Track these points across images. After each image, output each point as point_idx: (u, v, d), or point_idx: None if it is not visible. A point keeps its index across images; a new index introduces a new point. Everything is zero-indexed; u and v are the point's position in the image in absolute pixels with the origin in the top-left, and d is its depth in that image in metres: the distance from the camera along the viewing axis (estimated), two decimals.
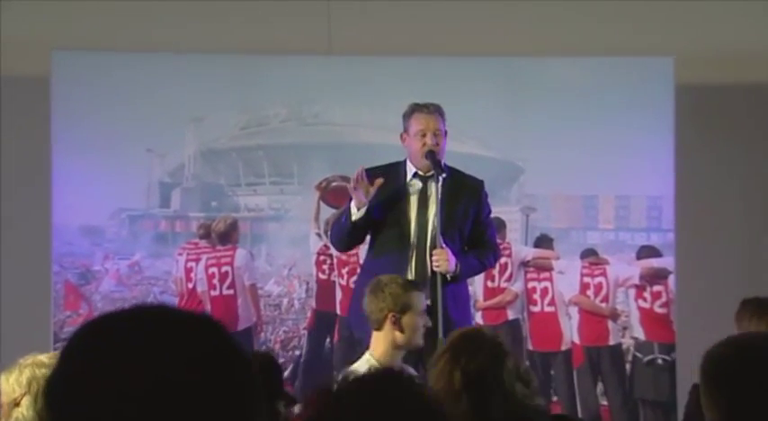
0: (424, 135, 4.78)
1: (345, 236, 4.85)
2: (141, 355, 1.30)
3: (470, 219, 4.84)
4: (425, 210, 4.80)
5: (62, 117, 6.67)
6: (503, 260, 6.71)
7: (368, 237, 4.95)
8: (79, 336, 1.37)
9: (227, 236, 6.81)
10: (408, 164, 4.88)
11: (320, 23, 6.88)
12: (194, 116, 6.86)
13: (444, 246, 4.68)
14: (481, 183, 4.94)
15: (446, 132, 4.87)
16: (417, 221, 4.77)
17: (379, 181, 4.67)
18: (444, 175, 4.70)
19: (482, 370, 2.75)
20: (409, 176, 4.85)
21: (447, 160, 4.93)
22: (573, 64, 6.93)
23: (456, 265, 4.69)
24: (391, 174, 4.85)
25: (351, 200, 4.76)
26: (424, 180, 4.84)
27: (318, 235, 6.82)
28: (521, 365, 2.80)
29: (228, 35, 6.94)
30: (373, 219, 4.78)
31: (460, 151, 6.55)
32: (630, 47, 6.96)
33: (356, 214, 4.70)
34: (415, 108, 4.85)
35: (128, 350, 1.31)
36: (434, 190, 4.72)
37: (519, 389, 2.73)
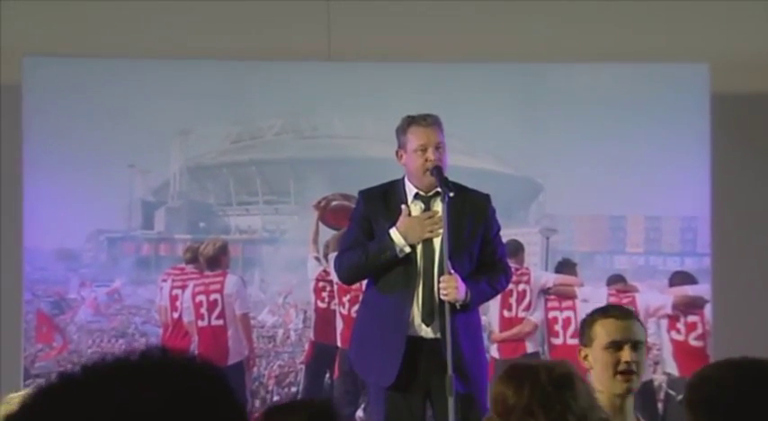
0: (425, 150, 4.64)
1: (369, 270, 4.69)
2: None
3: (479, 239, 4.71)
4: None
5: (35, 129, 6.54)
6: (521, 287, 6.67)
7: None
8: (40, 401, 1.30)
9: (217, 260, 6.71)
10: (407, 183, 4.74)
11: (319, 27, 6.81)
12: (181, 128, 6.78)
13: (453, 271, 4.55)
14: (487, 197, 4.80)
15: (445, 145, 4.74)
16: (423, 247, 4.63)
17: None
18: (452, 194, 4.56)
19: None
20: (410, 198, 4.71)
21: (457, 176, 4.80)
22: (597, 70, 6.82)
23: (466, 292, 4.56)
24: (390, 195, 4.73)
25: (391, 226, 4.61)
26: (427, 200, 4.71)
27: (317, 259, 6.72)
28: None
29: (218, 40, 6.79)
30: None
31: (472, 166, 6.55)
32: (661, 52, 6.85)
33: (407, 248, 4.58)
34: (412, 121, 4.71)
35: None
36: (439, 210, 4.61)
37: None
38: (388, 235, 4.59)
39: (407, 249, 4.58)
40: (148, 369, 1.29)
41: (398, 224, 4.59)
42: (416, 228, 4.59)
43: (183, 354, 1.33)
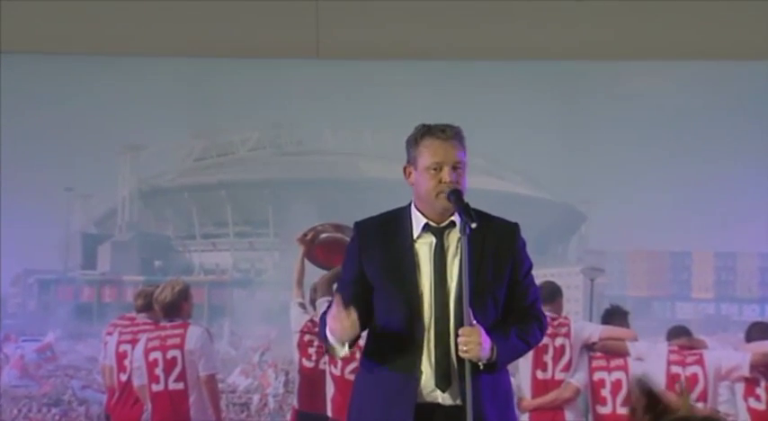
0: (438, 169, 4.49)
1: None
2: None
3: (505, 280, 4.53)
4: (443, 275, 4.51)
5: None
6: (558, 341, 6.66)
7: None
8: None
9: (176, 307, 6.64)
10: (414, 211, 4.55)
11: (306, 23, 6.79)
12: (131, 142, 6.81)
13: (475, 322, 4.37)
14: (515, 227, 4.58)
15: (465, 165, 4.58)
16: (434, 292, 4.49)
17: (353, 315, 4.37)
18: (474, 225, 4.35)
19: None
20: (417, 230, 4.53)
21: (476, 202, 4.54)
22: (652, 70, 6.73)
23: (491, 348, 4.38)
24: (391, 226, 4.56)
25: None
26: (439, 232, 4.52)
27: (302, 306, 6.72)
28: None
29: (183, 34, 6.73)
30: (369, 299, 4.51)
31: (498, 190, 6.70)
32: (731, 47, 6.74)
33: (343, 351, 4.51)
34: (426, 132, 4.56)
35: None
36: (455, 245, 4.47)
37: None
38: (325, 335, 4.48)
39: (345, 351, 4.46)
40: None
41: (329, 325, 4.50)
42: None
43: None
